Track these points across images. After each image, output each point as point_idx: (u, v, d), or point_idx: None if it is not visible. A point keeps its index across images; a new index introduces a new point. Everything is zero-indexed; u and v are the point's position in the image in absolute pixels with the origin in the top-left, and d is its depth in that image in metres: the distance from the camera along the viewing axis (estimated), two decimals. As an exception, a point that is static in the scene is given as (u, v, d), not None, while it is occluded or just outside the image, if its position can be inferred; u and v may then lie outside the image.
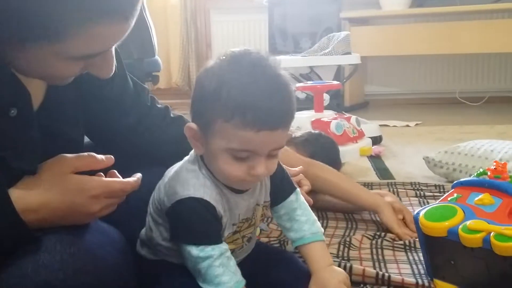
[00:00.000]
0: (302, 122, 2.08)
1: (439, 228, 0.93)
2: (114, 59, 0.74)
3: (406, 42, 3.54)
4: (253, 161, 0.76)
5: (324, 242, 0.92)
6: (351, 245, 1.19)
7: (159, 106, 1.04)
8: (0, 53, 0.67)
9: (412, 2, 3.56)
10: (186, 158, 0.85)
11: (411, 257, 1.13)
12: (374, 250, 1.17)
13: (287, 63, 3.04)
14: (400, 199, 1.51)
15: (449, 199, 1.03)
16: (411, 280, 1.01)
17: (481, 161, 1.69)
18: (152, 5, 3.67)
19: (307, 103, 2.60)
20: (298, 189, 0.95)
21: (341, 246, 1.18)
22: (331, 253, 1.03)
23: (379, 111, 3.66)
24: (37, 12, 0.61)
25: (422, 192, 1.65)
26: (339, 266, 1.00)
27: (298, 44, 3.79)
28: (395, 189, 1.69)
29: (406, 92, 4.05)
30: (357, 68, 3.21)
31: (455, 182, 1.09)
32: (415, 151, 2.30)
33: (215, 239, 0.79)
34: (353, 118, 2.29)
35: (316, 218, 0.94)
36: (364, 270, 1.03)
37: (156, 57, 2.83)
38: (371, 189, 1.69)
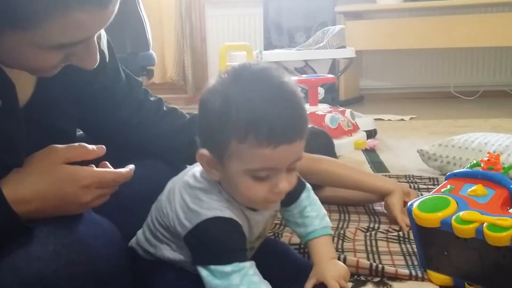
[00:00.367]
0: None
1: (432, 219, 0.93)
2: (97, 49, 0.72)
3: (400, 36, 3.54)
4: (274, 178, 0.73)
5: (331, 236, 0.92)
6: (345, 237, 1.20)
7: (152, 99, 1.03)
8: None
9: (406, -4, 3.57)
10: (191, 181, 0.80)
11: (405, 249, 1.13)
12: (368, 242, 1.17)
13: (282, 57, 3.05)
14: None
15: (442, 190, 1.03)
16: (405, 271, 1.01)
17: (475, 154, 1.69)
18: (146, -1, 3.65)
19: (302, 97, 2.60)
20: (308, 185, 0.94)
21: (335, 238, 1.18)
22: (324, 245, 1.03)
23: (374, 105, 3.66)
24: None
25: (416, 185, 1.65)
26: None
27: (293, 38, 3.79)
28: (389, 182, 1.69)
29: (401, 86, 4.06)
30: (352, 62, 3.21)
31: (448, 173, 1.09)
32: (409, 144, 2.30)
33: (245, 257, 0.77)
34: (348, 111, 2.30)
35: (325, 212, 0.94)
36: (358, 261, 1.03)
37: (151, 51, 2.81)
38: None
